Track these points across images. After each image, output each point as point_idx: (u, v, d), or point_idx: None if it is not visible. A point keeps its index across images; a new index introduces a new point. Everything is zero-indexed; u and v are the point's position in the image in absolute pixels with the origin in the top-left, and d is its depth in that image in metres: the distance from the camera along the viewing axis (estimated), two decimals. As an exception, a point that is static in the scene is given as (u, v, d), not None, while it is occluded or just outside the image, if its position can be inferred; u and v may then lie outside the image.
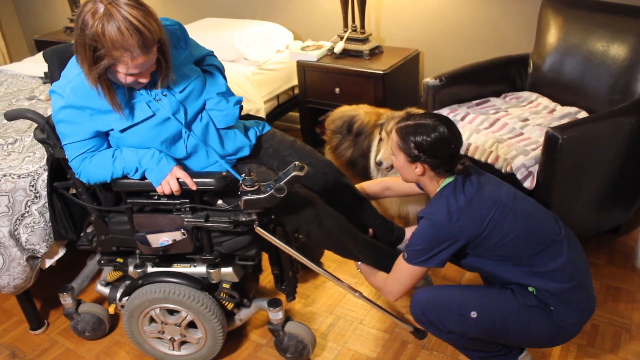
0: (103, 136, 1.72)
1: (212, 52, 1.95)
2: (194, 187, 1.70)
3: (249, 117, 2.08)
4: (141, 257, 1.89)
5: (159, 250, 1.80)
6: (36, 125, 1.81)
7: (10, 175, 1.98)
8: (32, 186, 1.98)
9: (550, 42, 2.52)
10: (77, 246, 2.01)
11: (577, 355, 1.97)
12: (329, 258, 2.51)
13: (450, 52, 3.12)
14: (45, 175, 1.96)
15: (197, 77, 1.77)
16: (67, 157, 1.72)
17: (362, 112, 2.53)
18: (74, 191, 1.88)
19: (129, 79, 1.57)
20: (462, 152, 2.22)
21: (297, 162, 1.63)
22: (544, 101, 2.54)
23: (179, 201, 1.73)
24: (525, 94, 2.63)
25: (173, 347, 2.00)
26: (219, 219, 1.73)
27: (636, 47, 2.25)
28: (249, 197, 1.63)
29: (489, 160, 2.25)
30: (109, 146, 1.75)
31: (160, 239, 1.79)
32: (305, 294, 2.35)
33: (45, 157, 1.92)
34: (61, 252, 2.10)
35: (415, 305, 1.69)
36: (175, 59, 1.71)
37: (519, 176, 2.12)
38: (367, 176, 2.48)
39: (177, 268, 1.89)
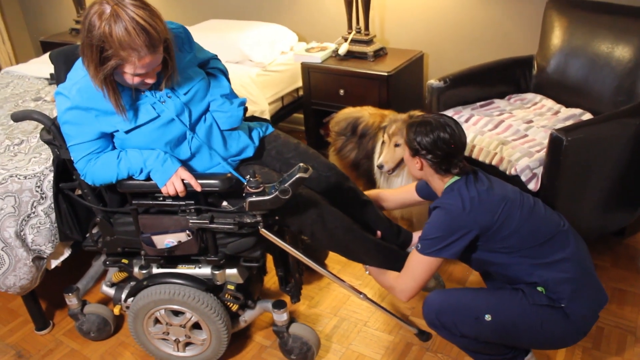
0: (108, 137, 1.73)
1: (216, 55, 1.96)
2: (198, 188, 1.70)
3: (253, 118, 2.09)
4: (146, 258, 1.89)
5: (164, 251, 1.81)
6: (42, 126, 1.82)
7: (16, 176, 1.99)
8: (38, 187, 1.99)
9: (555, 44, 2.52)
10: (82, 247, 2.01)
11: (582, 358, 1.96)
12: (334, 260, 2.51)
13: (454, 54, 3.12)
14: (51, 176, 1.97)
15: (201, 80, 1.78)
16: (72, 158, 1.73)
17: (366, 113, 2.54)
18: (79, 192, 1.88)
19: (136, 80, 1.58)
20: (466, 154, 2.23)
21: (301, 164, 1.63)
22: (549, 103, 2.54)
23: (184, 202, 1.73)
24: (529, 96, 2.63)
25: (178, 348, 2.00)
26: (223, 220, 1.73)
27: (641, 49, 2.24)
28: (254, 198, 1.63)
29: (494, 162, 2.25)
30: (114, 148, 1.76)
31: (165, 240, 1.80)
32: (309, 295, 2.35)
33: (51, 158, 1.93)
34: (67, 253, 2.11)
35: (429, 309, 1.67)
36: (179, 61, 1.72)
37: (523, 178, 2.12)
38: (370, 178, 2.48)
39: (182, 269, 1.90)
